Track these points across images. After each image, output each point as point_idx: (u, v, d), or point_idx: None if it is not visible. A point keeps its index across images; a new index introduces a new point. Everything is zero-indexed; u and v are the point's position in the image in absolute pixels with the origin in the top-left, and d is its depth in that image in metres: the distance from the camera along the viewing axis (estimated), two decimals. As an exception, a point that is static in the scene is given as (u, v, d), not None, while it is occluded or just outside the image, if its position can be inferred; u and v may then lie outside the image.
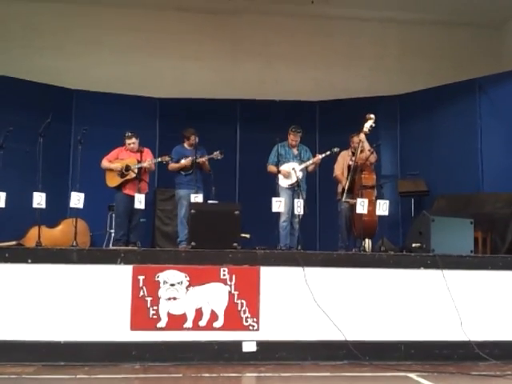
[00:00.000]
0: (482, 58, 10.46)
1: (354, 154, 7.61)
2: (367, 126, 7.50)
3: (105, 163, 7.71)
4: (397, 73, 10.63)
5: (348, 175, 7.46)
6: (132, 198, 7.31)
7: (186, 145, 7.97)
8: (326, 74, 10.69)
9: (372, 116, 7.51)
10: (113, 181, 7.65)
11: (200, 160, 7.71)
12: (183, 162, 7.77)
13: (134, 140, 7.74)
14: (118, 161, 7.70)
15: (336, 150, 7.63)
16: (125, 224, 7.62)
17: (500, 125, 8.57)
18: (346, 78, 10.64)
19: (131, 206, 7.35)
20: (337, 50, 10.83)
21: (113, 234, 8.07)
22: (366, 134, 7.52)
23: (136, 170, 7.51)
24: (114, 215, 8.11)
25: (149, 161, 7.64)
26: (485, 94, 8.84)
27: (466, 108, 9.04)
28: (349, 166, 7.55)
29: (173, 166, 7.84)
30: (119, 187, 7.64)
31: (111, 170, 7.63)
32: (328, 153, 7.61)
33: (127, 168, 7.54)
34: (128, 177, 7.56)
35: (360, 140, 7.49)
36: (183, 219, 7.63)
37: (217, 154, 7.73)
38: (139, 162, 7.57)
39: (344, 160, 7.69)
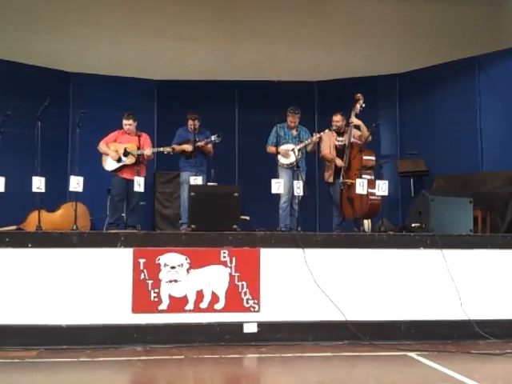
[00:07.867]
0: (482, 35, 10.39)
1: (339, 133, 7.61)
2: (358, 106, 7.47)
3: (102, 147, 7.60)
4: (396, 51, 10.57)
5: (336, 155, 7.48)
6: (129, 182, 7.31)
7: (189, 128, 7.91)
8: (324, 53, 10.63)
9: (360, 96, 7.48)
10: (110, 164, 7.57)
11: (200, 144, 7.69)
12: (184, 146, 7.75)
13: (131, 121, 7.64)
14: (117, 144, 7.61)
15: (334, 128, 7.61)
16: (120, 208, 7.62)
17: (499, 103, 8.54)
18: (345, 57, 10.58)
19: (128, 190, 7.38)
20: (335, 29, 10.75)
21: (107, 218, 8.05)
22: (356, 115, 7.50)
23: (136, 156, 7.45)
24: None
25: (148, 150, 7.55)
26: (484, 72, 8.79)
27: (465, 86, 9.01)
28: (336, 147, 7.57)
29: (174, 147, 7.81)
30: (115, 171, 7.57)
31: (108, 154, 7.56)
32: (326, 131, 7.58)
33: (125, 153, 7.50)
34: (127, 162, 7.49)
35: (352, 122, 7.45)
36: (186, 202, 7.62)
37: (215, 138, 7.71)
38: (139, 148, 7.50)
39: (329, 140, 7.66)
